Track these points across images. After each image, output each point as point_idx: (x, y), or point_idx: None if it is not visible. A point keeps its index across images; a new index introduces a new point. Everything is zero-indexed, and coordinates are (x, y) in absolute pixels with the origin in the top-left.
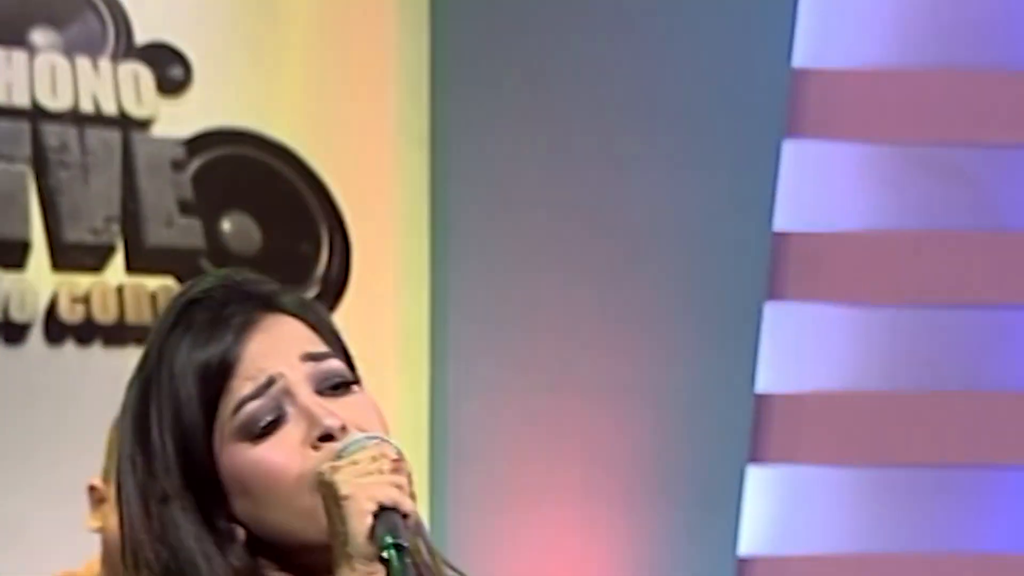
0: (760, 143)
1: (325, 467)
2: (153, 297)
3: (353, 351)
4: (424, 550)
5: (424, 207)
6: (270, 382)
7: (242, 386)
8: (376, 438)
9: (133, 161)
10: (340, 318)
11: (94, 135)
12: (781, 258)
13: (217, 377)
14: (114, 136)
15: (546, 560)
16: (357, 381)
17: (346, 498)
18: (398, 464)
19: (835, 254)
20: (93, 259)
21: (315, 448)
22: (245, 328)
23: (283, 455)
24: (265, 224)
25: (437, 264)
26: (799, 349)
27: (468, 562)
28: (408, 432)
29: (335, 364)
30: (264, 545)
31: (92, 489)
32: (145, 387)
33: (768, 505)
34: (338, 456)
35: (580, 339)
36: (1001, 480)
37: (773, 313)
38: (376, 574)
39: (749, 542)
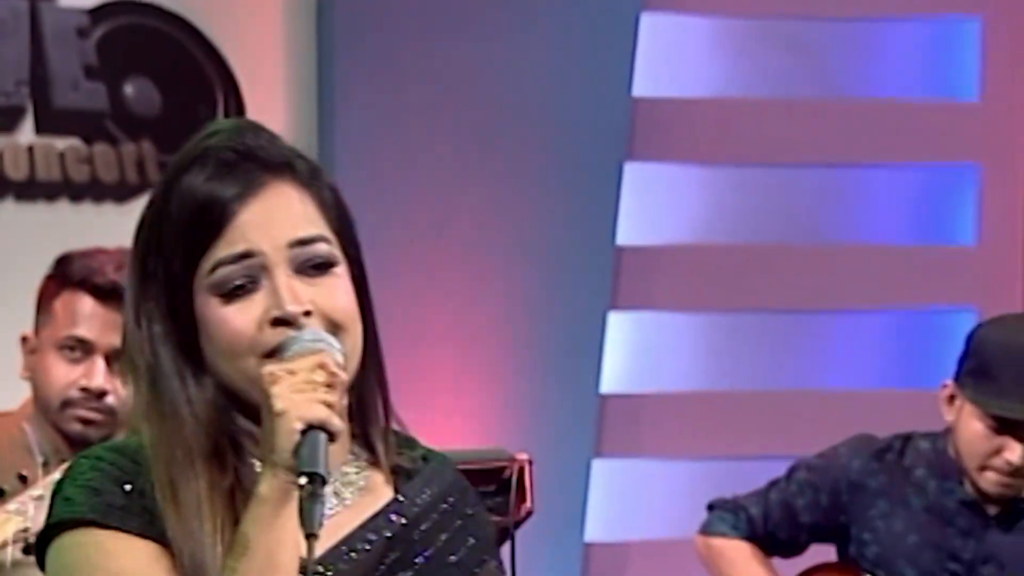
0: (618, 17)
1: (266, 371)
2: (61, 156)
3: None
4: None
5: (312, 72)
6: (247, 255)
7: (224, 248)
8: (323, 342)
9: (40, 28)
10: None
11: (2, 3)
12: (638, 122)
13: (209, 228)
14: (22, 5)
15: (421, 402)
16: (338, 263)
17: (279, 415)
18: (334, 378)
19: (688, 119)
20: (5, 120)
21: (272, 326)
22: (248, 189)
23: (242, 322)
24: (165, 88)
25: (324, 124)
26: (655, 205)
27: None
28: None
29: (320, 248)
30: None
31: (24, 340)
32: (149, 215)
33: (627, 348)
34: (285, 350)
35: (456, 196)
36: (838, 324)
37: (631, 173)
38: (294, 484)
39: (609, 381)
